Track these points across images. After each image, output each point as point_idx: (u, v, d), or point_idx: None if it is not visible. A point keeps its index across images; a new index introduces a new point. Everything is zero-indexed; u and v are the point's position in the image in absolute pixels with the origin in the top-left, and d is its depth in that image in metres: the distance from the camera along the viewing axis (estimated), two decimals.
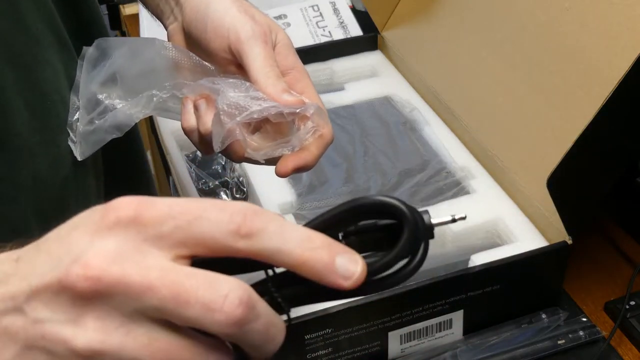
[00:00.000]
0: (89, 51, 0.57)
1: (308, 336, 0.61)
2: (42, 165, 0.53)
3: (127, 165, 0.68)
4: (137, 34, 1.12)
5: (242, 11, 0.52)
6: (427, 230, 0.40)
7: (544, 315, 0.68)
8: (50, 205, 0.55)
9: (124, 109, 0.55)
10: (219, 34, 0.52)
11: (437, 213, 0.43)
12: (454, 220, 0.40)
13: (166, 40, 0.58)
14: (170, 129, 0.85)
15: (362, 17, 1.09)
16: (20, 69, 0.51)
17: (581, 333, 0.67)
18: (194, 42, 0.55)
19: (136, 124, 0.68)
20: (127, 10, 1.23)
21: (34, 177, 0.53)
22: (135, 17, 1.17)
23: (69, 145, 0.55)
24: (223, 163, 0.82)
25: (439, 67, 0.88)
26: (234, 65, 0.54)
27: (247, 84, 0.50)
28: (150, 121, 0.91)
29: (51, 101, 0.54)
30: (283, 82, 0.50)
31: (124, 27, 1.24)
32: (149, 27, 1.11)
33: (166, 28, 0.58)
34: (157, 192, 0.75)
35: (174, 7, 0.57)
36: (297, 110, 0.49)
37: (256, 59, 0.50)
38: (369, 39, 1.00)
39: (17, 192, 0.52)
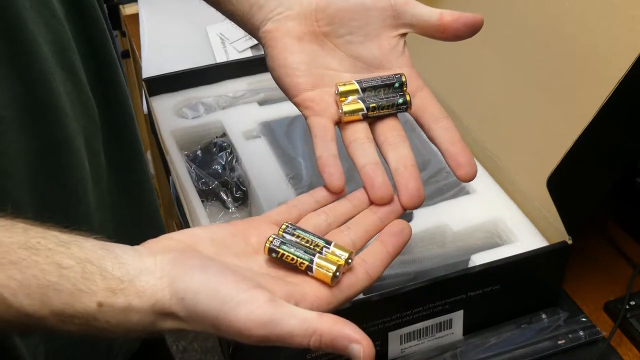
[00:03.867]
0: None
1: None
2: (33, 143, 0.53)
3: (126, 161, 0.68)
4: (137, 34, 1.12)
5: None
6: None
7: (544, 315, 0.68)
8: (44, 180, 0.55)
9: None
10: None
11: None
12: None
13: None
14: (170, 129, 0.85)
15: None
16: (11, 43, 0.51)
17: (581, 333, 0.67)
18: (334, 20, 0.55)
19: (135, 121, 0.68)
20: (127, 10, 1.23)
21: (26, 152, 0.53)
22: (135, 17, 1.16)
23: (59, 118, 0.55)
24: (223, 163, 0.82)
25: (439, 67, 0.88)
26: (391, 28, 0.55)
27: None
28: (150, 121, 0.91)
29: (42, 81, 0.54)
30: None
31: (124, 27, 1.24)
32: (149, 27, 1.11)
33: (259, 25, 0.57)
34: (153, 188, 0.75)
35: None
36: None
37: (427, 6, 0.54)
38: None
39: (11, 166, 0.52)
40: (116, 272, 0.41)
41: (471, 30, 0.54)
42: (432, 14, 0.54)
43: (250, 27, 0.58)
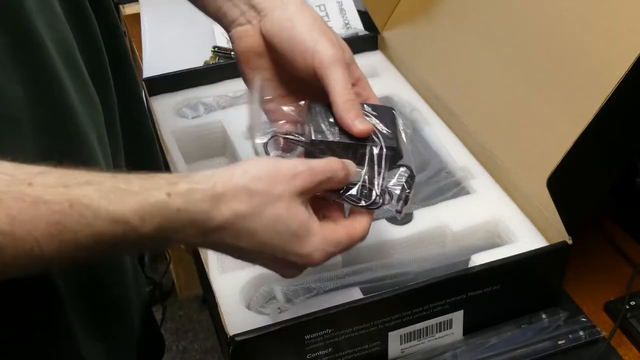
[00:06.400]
0: None
1: (308, 336, 0.61)
2: (49, 142, 0.54)
3: (140, 152, 0.70)
4: (138, 34, 1.12)
5: (322, 34, 0.58)
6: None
7: (544, 315, 0.68)
8: None
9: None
10: (306, 57, 0.58)
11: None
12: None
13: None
14: (170, 129, 0.85)
15: (362, 17, 1.09)
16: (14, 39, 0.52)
17: (581, 333, 0.67)
18: (276, 52, 0.60)
19: (147, 114, 0.69)
20: (127, 10, 1.23)
21: (43, 151, 0.54)
22: (135, 17, 1.16)
23: (73, 117, 0.56)
24: None
25: (438, 67, 0.88)
26: (314, 78, 0.58)
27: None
28: (150, 121, 0.91)
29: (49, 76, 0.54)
30: (357, 108, 0.57)
31: (124, 27, 1.24)
32: (150, 27, 1.11)
33: (229, 28, 0.62)
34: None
35: (246, 10, 0.60)
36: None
37: (337, 83, 0.57)
38: (369, 38, 1.00)
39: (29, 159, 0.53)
40: (173, 176, 0.48)
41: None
42: (333, 93, 0.56)
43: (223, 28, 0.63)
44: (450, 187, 0.77)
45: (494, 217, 0.73)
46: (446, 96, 0.85)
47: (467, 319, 0.67)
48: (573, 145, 0.62)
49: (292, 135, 0.57)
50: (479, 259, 0.67)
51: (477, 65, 0.81)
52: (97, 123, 0.60)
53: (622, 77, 0.59)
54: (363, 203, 0.55)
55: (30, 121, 0.52)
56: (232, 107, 0.90)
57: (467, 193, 0.76)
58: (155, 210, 0.45)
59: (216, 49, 1.04)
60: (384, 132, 0.58)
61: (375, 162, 0.56)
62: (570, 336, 0.66)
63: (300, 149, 0.57)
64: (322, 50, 0.57)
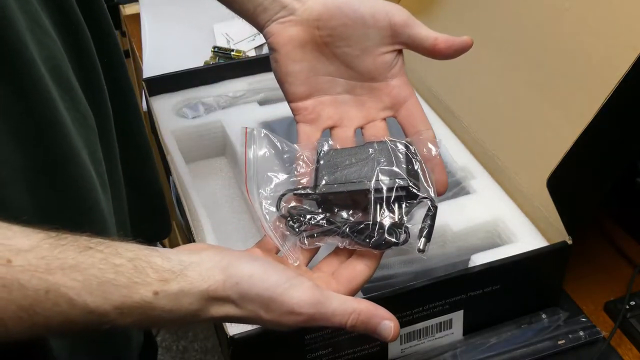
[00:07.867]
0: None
1: (308, 336, 0.61)
2: (39, 161, 0.54)
3: (133, 164, 0.70)
4: (138, 34, 1.12)
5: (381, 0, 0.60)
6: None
7: (544, 316, 0.68)
8: (45, 190, 0.55)
9: None
10: (379, 18, 0.58)
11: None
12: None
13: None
14: (170, 129, 0.85)
15: None
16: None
17: (581, 333, 0.67)
18: (333, 30, 0.59)
19: (143, 122, 0.69)
20: (127, 10, 1.23)
21: (29, 168, 0.53)
22: (135, 17, 1.16)
23: (63, 135, 0.55)
24: None
25: (439, 67, 0.87)
26: (387, 45, 0.59)
27: None
28: (150, 121, 0.91)
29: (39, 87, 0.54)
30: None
31: (124, 27, 1.24)
32: (150, 27, 1.11)
33: (267, 23, 0.60)
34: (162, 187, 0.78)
35: (289, 2, 0.59)
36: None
37: (426, 29, 0.58)
38: None
39: (15, 175, 0.53)
40: (166, 265, 0.45)
41: (460, 54, 0.58)
42: (426, 38, 0.58)
43: (255, 25, 0.62)
44: (450, 187, 0.77)
45: (494, 217, 0.73)
46: (446, 96, 0.86)
47: (467, 319, 0.67)
48: (573, 145, 0.62)
49: (301, 190, 0.56)
50: (479, 259, 0.67)
51: (477, 65, 0.81)
52: (90, 140, 0.59)
53: (622, 77, 0.59)
54: (369, 243, 0.53)
55: (21, 140, 0.52)
56: (232, 107, 0.90)
57: (467, 193, 0.76)
58: (138, 308, 0.44)
59: (216, 49, 1.05)
60: (395, 170, 0.55)
61: (385, 205, 0.53)
62: (570, 336, 0.66)
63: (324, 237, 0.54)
64: (395, 9, 0.58)
